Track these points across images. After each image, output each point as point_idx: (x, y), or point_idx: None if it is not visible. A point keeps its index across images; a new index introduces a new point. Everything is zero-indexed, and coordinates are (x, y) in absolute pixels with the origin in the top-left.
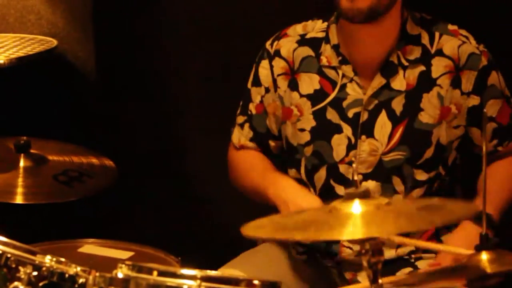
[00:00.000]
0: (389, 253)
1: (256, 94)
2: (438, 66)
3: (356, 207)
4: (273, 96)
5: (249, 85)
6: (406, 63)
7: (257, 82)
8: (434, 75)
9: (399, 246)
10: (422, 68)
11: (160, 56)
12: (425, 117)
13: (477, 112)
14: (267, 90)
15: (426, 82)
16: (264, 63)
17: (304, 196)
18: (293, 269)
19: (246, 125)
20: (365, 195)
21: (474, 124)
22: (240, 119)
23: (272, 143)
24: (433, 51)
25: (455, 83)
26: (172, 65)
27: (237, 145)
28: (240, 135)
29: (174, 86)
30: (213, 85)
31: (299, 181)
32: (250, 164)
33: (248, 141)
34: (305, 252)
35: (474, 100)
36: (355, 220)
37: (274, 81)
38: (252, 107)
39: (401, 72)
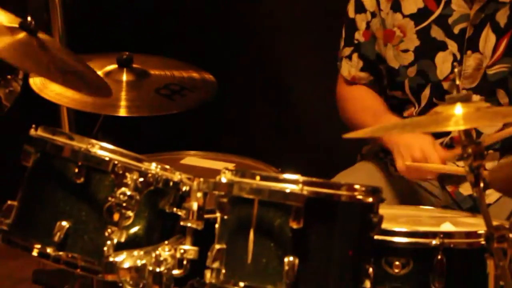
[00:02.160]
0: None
1: (361, 21)
2: None
3: (458, 109)
4: (379, 20)
5: (351, 14)
6: None
7: (361, 9)
8: None
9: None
10: None
11: None
12: None
13: None
14: (373, 14)
15: None
16: None
17: (414, 139)
18: (392, 184)
19: (354, 56)
20: (466, 99)
21: None
22: (347, 51)
23: (383, 68)
24: None
25: None
26: None
27: (348, 77)
28: (350, 67)
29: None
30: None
31: (406, 101)
32: (361, 105)
33: (359, 71)
34: None
35: None
36: (457, 120)
37: (378, 4)
38: (358, 36)
39: None
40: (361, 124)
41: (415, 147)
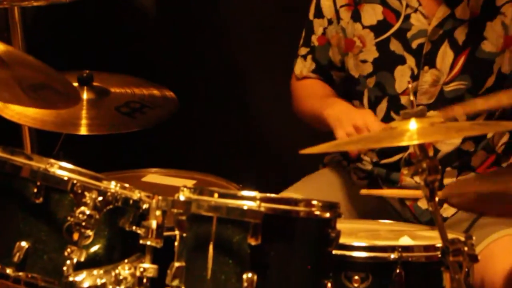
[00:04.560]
0: (450, 181)
1: (318, 26)
2: None
3: (412, 124)
4: (336, 28)
5: (310, 17)
6: None
7: (319, 14)
8: (498, 3)
9: (460, 173)
10: None
11: None
12: (488, 46)
13: None
14: (330, 21)
15: (490, 11)
16: None
17: (357, 110)
18: (353, 194)
19: (309, 57)
20: (421, 114)
21: None
22: (303, 50)
23: (335, 75)
24: None
25: None
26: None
27: (299, 76)
28: (303, 67)
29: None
30: None
31: None
32: (310, 90)
33: (310, 72)
34: (366, 177)
35: None
36: (411, 134)
37: (337, 12)
38: (314, 39)
39: (465, 0)
40: (309, 109)
41: (356, 116)
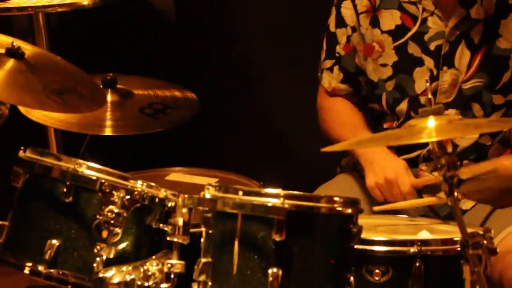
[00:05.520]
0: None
1: (342, 35)
2: None
3: (431, 122)
4: (359, 34)
5: (332, 28)
6: None
7: (341, 23)
8: (511, 0)
9: None
10: None
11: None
12: (502, 43)
13: None
14: (353, 29)
15: (503, 9)
16: (347, 4)
17: (390, 160)
18: (371, 196)
19: (336, 68)
20: (438, 112)
21: None
22: (328, 63)
23: (362, 80)
24: None
25: None
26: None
27: (328, 88)
28: (331, 78)
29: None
30: None
31: (383, 114)
32: (340, 119)
33: (339, 83)
34: None
35: None
36: (429, 132)
37: (358, 19)
38: (339, 49)
39: (479, 0)
40: (338, 137)
41: (389, 168)
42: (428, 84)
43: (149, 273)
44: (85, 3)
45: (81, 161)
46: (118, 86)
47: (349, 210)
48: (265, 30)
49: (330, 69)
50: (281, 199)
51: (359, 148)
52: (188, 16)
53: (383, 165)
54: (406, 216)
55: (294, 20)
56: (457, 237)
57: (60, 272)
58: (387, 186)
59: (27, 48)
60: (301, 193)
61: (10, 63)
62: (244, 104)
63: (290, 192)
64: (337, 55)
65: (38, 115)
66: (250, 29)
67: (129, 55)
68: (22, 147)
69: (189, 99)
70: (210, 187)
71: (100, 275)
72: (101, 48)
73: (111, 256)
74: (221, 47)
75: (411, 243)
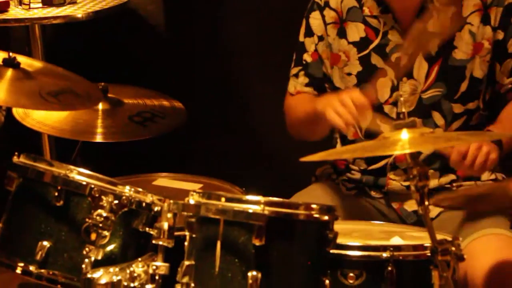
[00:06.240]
0: (432, 183)
1: (310, 44)
2: (468, 6)
3: (404, 134)
4: (326, 43)
5: (301, 38)
6: (439, 6)
7: (309, 33)
8: (465, 13)
9: (442, 175)
10: (454, 9)
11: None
12: (458, 54)
13: (500, 47)
14: (320, 38)
15: (458, 22)
16: (315, 14)
17: (343, 91)
18: (344, 204)
19: (301, 74)
20: (412, 125)
21: (496, 59)
22: (294, 70)
23: (328, 87)
24: None
25: (485, 20)
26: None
27: (293, 92)
28: (296, 83)
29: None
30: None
31: None
32: (303, 100)
33: (303, 86)
34: (353, 188)
35: (499, 35)
36: (403, 144)
37: (326, 29)
38: (307, 57)
39: (435, 15)
40: (303, 114)
41: (342, 93)
42: (402, 98)
43: (135, 274)
44: (79, 15)
45: (72, 167)
46: (109, 95)
47: (326, 217)
48: (250, 44)
49: (296, 75)
50: (262, 205)
51: (324, 132)
52: (177, 30)
53: (336, 96)
54: (380, 222)
55: (278, 35)
56: (427, 243)
57: (51, 272)
58: (341, 104)
59: (22, 59)
60: (280, 200)
61: (9, 72)
62: (228, 114)
63: (270, 199)
64: (304, 62)
65: (32, 122)
66: (236, 43)
67: (120, 66)
68: (16, 153)
69: (176, 108)
70: (194, 194)
71: (89, 275)
72: (94, 59)
73: (99, 257)
74: (208, 60)
75: (384, 248)
